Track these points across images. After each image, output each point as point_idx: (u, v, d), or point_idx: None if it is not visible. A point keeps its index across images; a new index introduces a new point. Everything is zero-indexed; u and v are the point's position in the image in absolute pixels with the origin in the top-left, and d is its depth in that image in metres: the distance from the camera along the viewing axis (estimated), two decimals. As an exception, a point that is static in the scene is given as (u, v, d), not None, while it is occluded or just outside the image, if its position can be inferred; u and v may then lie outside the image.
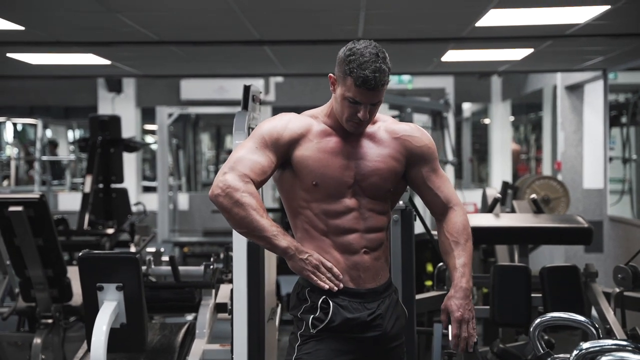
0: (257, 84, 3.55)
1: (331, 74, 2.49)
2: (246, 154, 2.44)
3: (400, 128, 2.59)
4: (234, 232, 3.26)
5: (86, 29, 5.04)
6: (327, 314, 2.46)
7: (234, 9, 4.37)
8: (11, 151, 14.04)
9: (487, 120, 12.84)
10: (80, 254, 3.43)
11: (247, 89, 3.51)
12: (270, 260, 3.55)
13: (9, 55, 6.04)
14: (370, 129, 2.56)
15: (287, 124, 2.50)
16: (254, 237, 2.45)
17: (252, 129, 3.49)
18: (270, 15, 4.63)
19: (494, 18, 4.56)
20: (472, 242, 2.59)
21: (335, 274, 2.45)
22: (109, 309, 3.34)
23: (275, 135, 2.47)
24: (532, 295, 3.95)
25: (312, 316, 2.47)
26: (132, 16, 4.60)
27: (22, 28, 4.85)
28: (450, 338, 2.48)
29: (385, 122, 2.59)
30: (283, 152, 2.48)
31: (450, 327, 2.49)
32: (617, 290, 3.96)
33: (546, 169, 10.28)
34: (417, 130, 2.61)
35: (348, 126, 2.48)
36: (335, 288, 2.46)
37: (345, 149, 2.51)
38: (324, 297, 2.46)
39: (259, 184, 2.44)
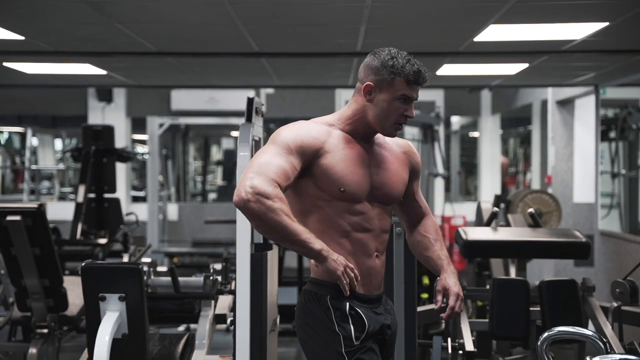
0: (249, 95, 3.58)
1: (369, 82, 2.53)
2: (271, 159, 2.42)
3: (404, 142, 2.74)
4: (237, 244, 3.28)
5: (86, 39, 5.04)
6: (363, 321, 2.49)
7: (235, 22, 4.39)
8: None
9: (475, 134, 12.91)
10: (83, 264, 3.43)
11: (250, 101, 3.52)
12: (272, 271, 3.55)
13: (5, 64, 6.02)
14: (380, 139, 2.65)
15: (310, 131, 2.52)
16: (286, 241, 2.42)
17: (255, 141, 3.51)
18: (272, 28, 4.65)
19: (493, 33, 4.60)
20: None
21: (356, 275, 2.47)
22: (111, 319, 3.34)
23: (299, 142, 2.47)
24: (530, 308, 3.99)
25: (352, 327, 2.47)
26: (132, 27, 4.60)
27: (22, 38, 4.84)
28: (446, 308, 2.61)
29: (385, 137, 2.67)
30: (307, 159, 2.48)
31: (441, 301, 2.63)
32: (615, 304, 3.99)
33: (535, 183, 10.35)
34: (413, 146, 2.77)
35: (390, 130, 2.56)
36: (355, 288, 2.48)
37: (365, 157, 2.58)
38: (348, 303, 2.49)
39: (284, 190, 2.42)
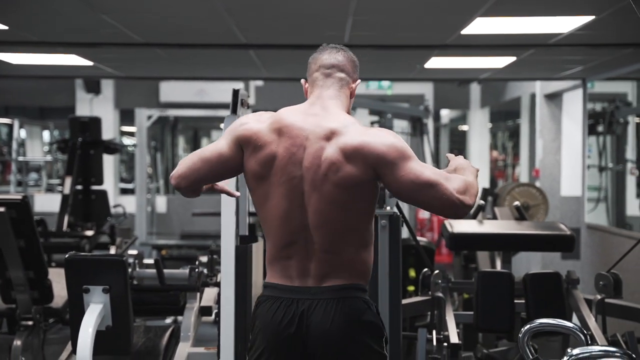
0: (238, 87, 3.57)
1: (359, 79, 2.51)
2: None
3: None
4: (222, 236, 3.27)
5: (71, 30, 5.01)
6: None
7: (221, 13, 4.37)
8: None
9: (465, 127, 12.94)
10: (66, 255, 3.41)
11: (235, 93, 3.51)
12: (257, 263, 3.55)
13: (-11, 54, 5.99)
14: None
15: None
16: None
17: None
18: (258, 19, 4.64)
19: (480, 26, 4.60)
20: None
21: None
22: (95, 311, 3.32)
23: None
24: (515, 301, 4.00)
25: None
26: (117, 18, 4.57)
27: (6, 28, 4.81)
28: None
29: None
30: None
31: None
32: (599, 297, 4.01)
33: (523, 176, 10.38)
34: None
35: None
36: None
37: None
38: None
39: None
